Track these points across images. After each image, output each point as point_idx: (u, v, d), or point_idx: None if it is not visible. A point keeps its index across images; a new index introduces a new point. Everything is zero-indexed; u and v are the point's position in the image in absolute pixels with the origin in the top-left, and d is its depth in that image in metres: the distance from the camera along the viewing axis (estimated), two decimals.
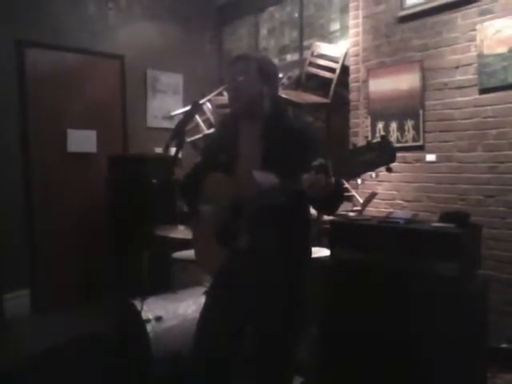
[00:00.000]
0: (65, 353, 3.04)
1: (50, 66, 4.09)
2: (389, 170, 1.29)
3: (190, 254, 2.53)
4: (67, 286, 4.12)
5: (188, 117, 1.65)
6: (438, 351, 2.10)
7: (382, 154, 1.26)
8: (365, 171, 1.30)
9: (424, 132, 3.09)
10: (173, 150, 1.60)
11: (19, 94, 3.92)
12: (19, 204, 3.94)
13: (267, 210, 1.50)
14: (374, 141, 1.27)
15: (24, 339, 3.46)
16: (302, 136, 1.63)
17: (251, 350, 1.65)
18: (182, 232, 2.91)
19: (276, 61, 4.46)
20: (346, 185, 2.96)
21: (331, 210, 1.69)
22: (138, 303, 2.40)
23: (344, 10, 3.85)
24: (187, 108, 4.28)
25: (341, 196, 1.61)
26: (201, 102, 3.61)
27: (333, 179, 1.31)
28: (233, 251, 1.62)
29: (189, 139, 4.11)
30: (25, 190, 3.97)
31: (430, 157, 3.07)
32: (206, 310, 1.77)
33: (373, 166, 1.27)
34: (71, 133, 4.19)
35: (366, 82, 3.41)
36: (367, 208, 3.16)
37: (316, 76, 3.88)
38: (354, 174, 1.38)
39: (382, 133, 3.29)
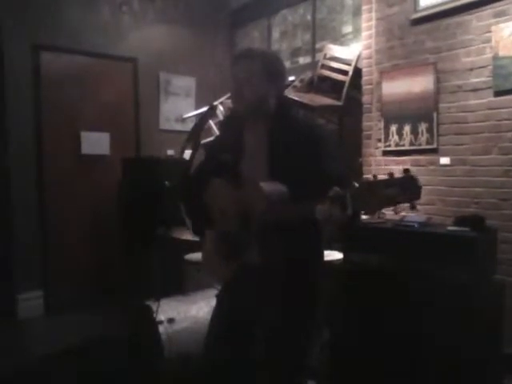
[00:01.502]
0: (77, 354, 3.06)
1: (64, 69, 4.15)
2: (413, 207, 1.20)
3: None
4: (80, 287, 4.16)
5: (203, 120, 1.66)
6: (452, 357, 2.08)
7: (405, 191, 1.17)
8: (385, 206, 1.22)
9: (438, 135, 3.06)
10: (188, 153, 1.60)
11: (34, 97, 3.98)
12: (33, 206, 3.98)
13: (277, 223, 1.46)
14: (398, 176, 1.19)
15: (37, 340, 3.49)
16: (310, 136, 1.58)
17: (261, 357, 1.63)
18: None
19: (288, 63, 4.47)
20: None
21: (343, 232, 1.64)
22: (152, 305, 2.41)
23: (357, 12, 3.84)
24: (200, 111, 4.31)
25: (356, 222, 1.53)
26: (214, 104, 3.62)
27: (349, 211, 1.22)
28: (242, 264, 1.58)
29: (201, 142, 4.13)
30: (38, 192, 4.02)
31: (444, 160, 3.04)
32: (215, 317, 1.75)
33: (395, 202, 1.19)
34: (85, 135, 4.24)
35: (379, 84, 3.40)
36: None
37: (328, 78, 3.87)
38: (373, 209, 1.28)
39: (396, 136, 3.27)
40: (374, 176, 1.23)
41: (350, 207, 1.21)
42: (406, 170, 1.20)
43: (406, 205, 1.22)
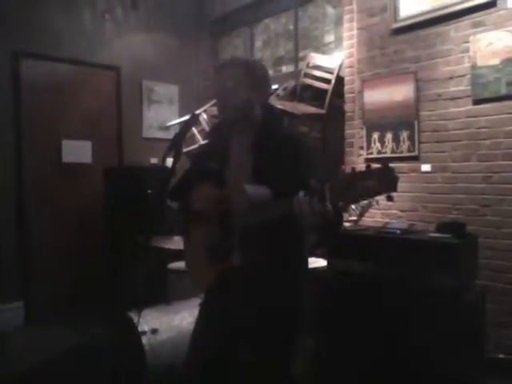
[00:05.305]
0: (59, 365, 3.00)
1: (46, 77, 4.10)
2: (389, 198, 1.21)
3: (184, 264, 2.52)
4: (61, 297, 4.08)
5: (186, 128, 1.64)
6: (436, 362, 2.09)
7: (382, 182, 1.18)
8: (363, 198, 1.23)
9: (419, 142, 3.10)
10: (170, 161, 1.59)
11: (15, 105, 3.92)
12: (13, 215, 3.91)
13: (260, 225, 1.45)
14: (375, 167, 1.20)
15: (18, 351, 3.41)
16: (295, 146, 1.59)
17: (244, 365, 1.61)
18: (177, 243, 2.90)
19: (271, 72, 4.49)
20: (353, 207, 2.84)
21: (327, 236, 1.63)
22: (134, 315, 2.38)
23: (338, 22, 3.89)
24: (183, 118, 4.30)
25: (338, 223, 1.52)
26: (196, 112, 3.62)
27: (328, 204, 1.24)
28: (225, 268, 1.57)
29: (184, 150, 4.11)
30: (19, 201, 3.95)
31: (425, 167, 3.08)
32: (198, 327, 1.73)
33: (372, 194, 1.20)
34: (66, 143, 4.19)
35: (360, 92, 3.44)
36: (363, 218, 3.16)
37: (311, 87, 3.90)
38: (351, 201, 1.27)
39: (378, 143, 3.31)
40: (353, 168, 1.24)
41: (328, 199, 1.23)
42: (384, 162, 1.21)
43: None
